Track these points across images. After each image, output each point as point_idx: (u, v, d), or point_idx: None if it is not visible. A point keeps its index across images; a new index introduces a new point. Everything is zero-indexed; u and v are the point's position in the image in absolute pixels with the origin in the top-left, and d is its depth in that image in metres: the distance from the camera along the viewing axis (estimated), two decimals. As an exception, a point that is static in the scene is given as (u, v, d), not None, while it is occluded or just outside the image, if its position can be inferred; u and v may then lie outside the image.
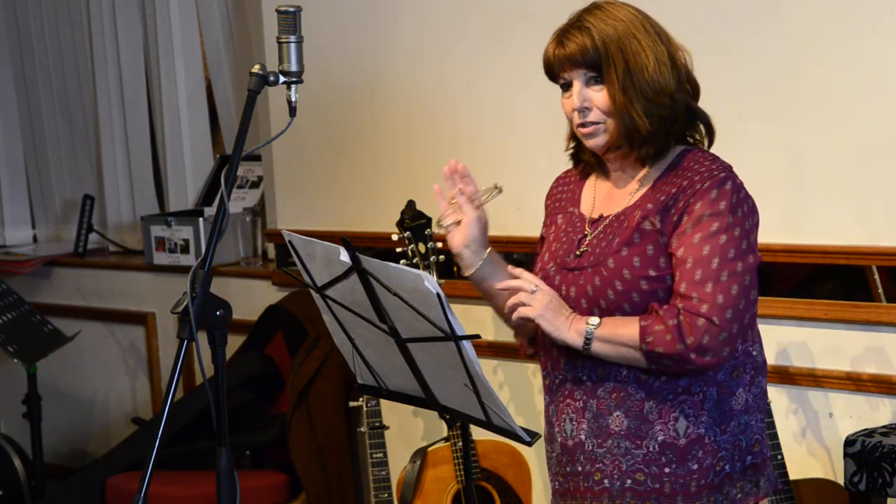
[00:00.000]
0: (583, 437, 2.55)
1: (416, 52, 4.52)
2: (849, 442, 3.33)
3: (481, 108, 4.38)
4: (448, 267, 4.45)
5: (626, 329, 2.45)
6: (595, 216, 2.60)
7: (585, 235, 2.58)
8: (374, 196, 4.68)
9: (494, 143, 4.37)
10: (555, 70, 2.54)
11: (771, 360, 3.79)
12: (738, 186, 2.48)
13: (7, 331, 5.19)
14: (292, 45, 2.53)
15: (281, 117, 4.83)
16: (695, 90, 2.56)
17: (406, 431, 4.60)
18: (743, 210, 2.46)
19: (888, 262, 3.61)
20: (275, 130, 4.84)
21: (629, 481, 2.51)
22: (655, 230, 2.48)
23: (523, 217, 4.27)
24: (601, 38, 2.47)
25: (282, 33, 2.53)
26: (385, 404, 4.11)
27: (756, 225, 2.50)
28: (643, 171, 2.56)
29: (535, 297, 2.50)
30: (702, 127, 2.57)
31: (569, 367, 2.56)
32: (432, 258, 3.80)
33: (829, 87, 3.65)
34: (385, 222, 4.15)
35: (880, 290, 3.65)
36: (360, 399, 4.10)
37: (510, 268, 2.58)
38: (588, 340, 2.47)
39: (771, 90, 3.75)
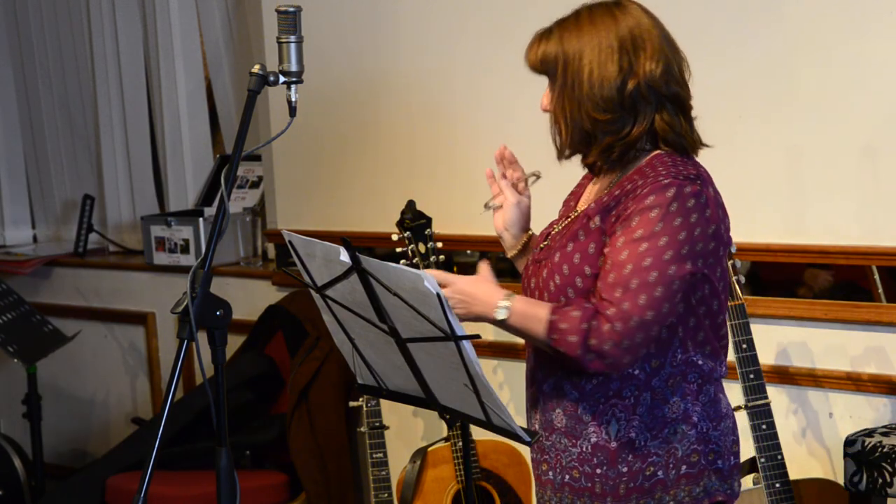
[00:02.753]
0: (537, 426, 2.62)
1: (417, 51, 4.52)
2: (849, 442, 3.33)
3: (481, 109, 4.38)
4: (448, 267, 4.45)
5: (535, 324, 2.47)
6: (573, 212, 2.65)
7: (555, 229, 2.65)
8: (374, 196, 4.68)
9: (494, 143, 4.35)
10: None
11: (771, 360, 3.80)
12: (685, 196, 2.43)
13: (7, 331, 5.19)
14: (292, 45, 2.53)
15: (281, 117, 4.83)
16: (673, 102, 2.53)
17: (406, 431, 4.60)
18: (685, 218, 2.42)
19: (888, 262, 3.61)
20: (275, 130, 4.83)
21: (567, 477, 2.57)
22: (598, 229, 2.50)
23: (523, 217, 4.26)
24: (554, 50, 2.53)
25: (282, 33, 2.53)
26: (385, 404, 4.11)
27: (707, 237, 2.45)
28: (615, 174, 2.58)
29: (451, 303, 2.49)
30: (669, 142, 2.54)
31: (530, 359, 2.64)
32: (432, 258, 3.80)
33: (830, 87, 3.65)
34: (385, 222, 4.15)
35: (880, 290, 3.65)
36: (360, 399, 4.10)
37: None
38: (499, 324, 2.51)
39: (771, 90, 3.75)
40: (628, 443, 2.51)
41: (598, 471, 2.53)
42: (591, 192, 2.66)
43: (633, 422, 2.51)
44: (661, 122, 2.51)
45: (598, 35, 2.51)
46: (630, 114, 2.50)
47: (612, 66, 2.49)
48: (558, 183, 2.81)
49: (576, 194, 2.74)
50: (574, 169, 2.68)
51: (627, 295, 2.40)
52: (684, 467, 2.52)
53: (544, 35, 2.58)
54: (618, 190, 2.51)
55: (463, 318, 2.52)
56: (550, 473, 2.60)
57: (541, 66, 2.57)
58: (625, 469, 2.51)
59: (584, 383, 2.52)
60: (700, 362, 2.52)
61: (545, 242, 2.64)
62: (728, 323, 3.43)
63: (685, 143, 2.53)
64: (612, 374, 2.50)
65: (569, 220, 2.62)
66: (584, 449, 2.53)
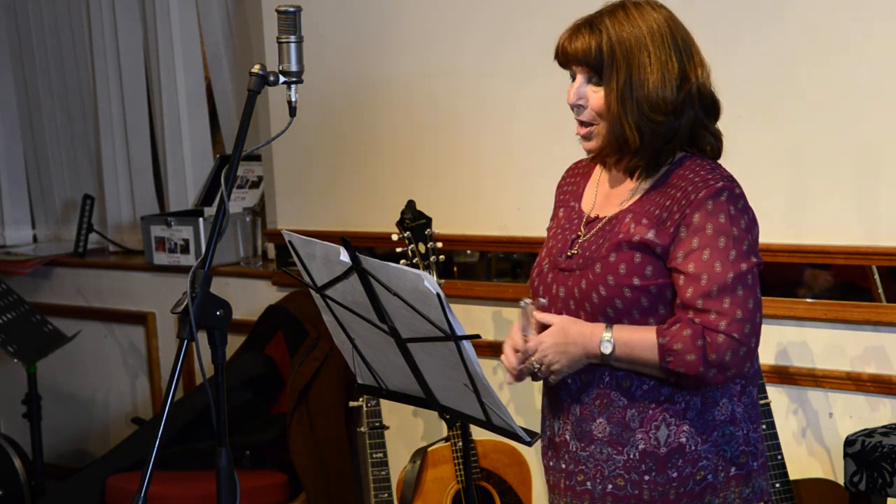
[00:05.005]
0: (567, 437, 2.57)
1: (417, 52, 4.52)
2: (849, 442, 3.33)
3: (483, 109, 4.38)
4: (448, 267, 4.45)
5: (643, 351, 2.45)
6: (592, 216, 2.60)
7: (579, 236, 2.59)
8: (374, 196, 4.68)
9: (496, 143, 4.37)
10: (561, 61, 2.54)
11: (771, 360, 3.80)
12: (736, 197, 2.46)
13: (7, 331, 5.19)
14: (292, 45, 2.53)
15: (281, 117, 4.83)
16: (709, 108, 2.53)
17: (406, 431, 4.60)
18: (745, 221, 2.45)
19: (888, 262, 3.61)
20: (275, 130, 4.84)
21: (610, 486, 2.52)
22: (647, 240, 2.46)
23: (523, 217, 4.27)
24: (609, 44, 2.46)
25: (282, 33, 2.53)
26: (385, 404, 4.11)
27: (757, 236, 2.49)
28: (642, 177, 2.55)
29: (546, 361, 2.50)
30: (708, 147, 2.53)
31: None
32: (432, 258, 3.80)
33: (830, 87, 3.65)
34: (385, 222, 4.15)
35: (880, 290, 3.65)
36: (360, 399, 4.10)
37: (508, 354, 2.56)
38: (604, 358, 2.48)
39: (772, 90, 3.75)
40: (678, 448, 2.48)
41: (647, 477, 2.49)
42: (602, 192, 2.61)
43: (683, 426, 2.48)
44: (701, 127, 2.51)
45: (652, 32, 2.47)
46: (678, 117, 2.48)
47: (672, 68, 2.47)
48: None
49: (574, 194, 2.68)
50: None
51: (736, 302, 2.41)
52: (734, 469, 2.51)
53: (589, 25, 2.49)
54: (667, 200, 2.48)
55: (564, 368, 2.50)
56: (588, 484, 2.55)
57: (592, 58, 2.47)
58: (675, 475, 2.49)
59: (633, 389, 2.49)
60: None
61: (574, 251, 2.57)
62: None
63: (720, 147, 2.54)
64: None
65: (596, 225, 2.57)
66: (630, 456, 2.50)
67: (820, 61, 3.66)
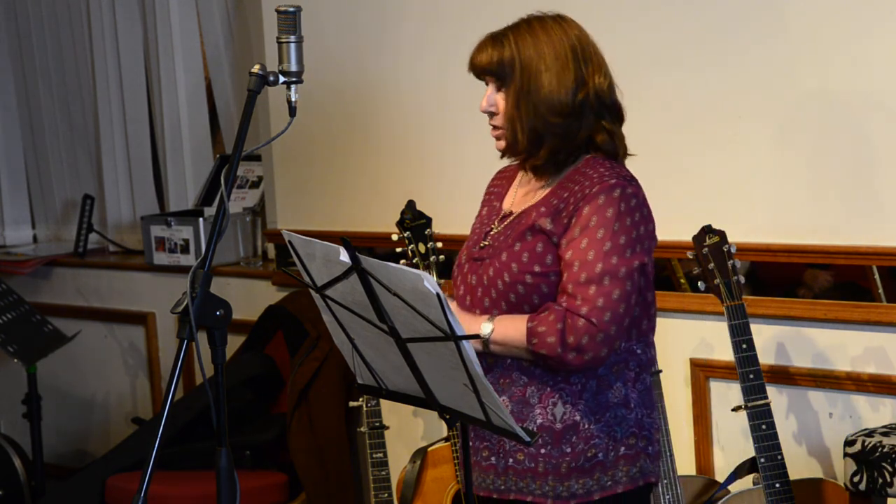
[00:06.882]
0: None
1: (419, 51, 4.52)
2: (849, 442, 3.33)
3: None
4: (448, 267, 4.45)
5: (515, 333, 2.62)
6: (507, 212, 2.79)
7: (492, 229, 2.78)
8: (374, 196, 4.68)
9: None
10: (473, 72, 2.75)
11: (771, 360, 3.80)
12: (628, 196, 2.62)
13: (7, 331, 5.19)
14: (292, 45, 2.54)
15: (281, 117, 4.83)
16: (611, 112, 2.70)
17: (406, 431, 4.60)
18: (633, 219, 2.61)
19: (888, 262, 3.61)
20: (275, 130, 4.84)
21: (511, 461, 2.70)
22: (546, 230, 2.64)
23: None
24: (510, 54, 2.66)
25: (282, 33, 2.54)
26: (385, 404, 4.12)
27: (649, 235, 2.64)
28: (548, 176, 2.73)
29: None
30: (611, 149, 2.70)
31: None
32: (432, 258, 3.80)
33: (830, 87, 3.65)
34: (385, 222, 4.15)
35: (880, 290, 3.65)
36: (360, 399, 4.11)
37: None
38: (485, 346, 2.66)
39: (771, 91, 3.75)
40: (573, 425, 2.65)
41: (543, 451, 2.65)
42: (520, 192, 2.80)
43: (579, 406, 2.65)
44: (601, 129, 2.69)
45: (553, 43, 2.66)
46: (577, 119, 2.66)
47: (568, 74, 2.65)
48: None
49: (498, 195, 2.87)
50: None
51: (601, 291, 2.57)
52: (623, 449, 2.67)
53: (497, 39, 2.70)
54: (565, 192, 2.66)
55: None
56: (493, 459, 2.72)
57: (494, 68, 2.68)
58: (568, 450, 2.65)
59: (533, 368, 2.65)
60: (639, 351, 2.70)
61: (485, 242, 2.76)
62: (728, 323, 3.44)
63: (619, 149, 2.71)
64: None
65: (507, 220, 2.75)
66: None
67: (820, 61, 3.66)
